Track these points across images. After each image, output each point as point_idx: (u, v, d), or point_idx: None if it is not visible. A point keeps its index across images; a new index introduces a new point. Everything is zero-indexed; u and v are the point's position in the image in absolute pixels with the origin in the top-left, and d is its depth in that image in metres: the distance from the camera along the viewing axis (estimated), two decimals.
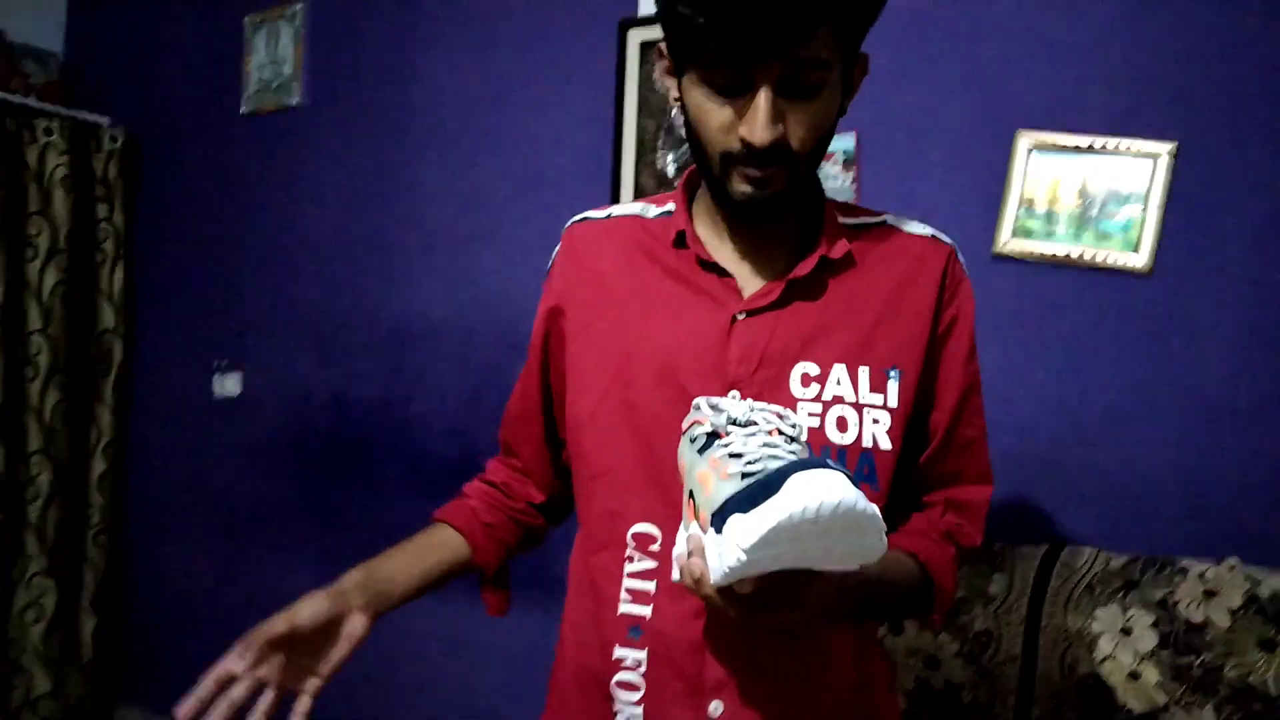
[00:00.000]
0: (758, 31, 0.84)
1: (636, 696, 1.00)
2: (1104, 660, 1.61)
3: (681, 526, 0.88)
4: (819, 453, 0.94)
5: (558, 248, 1.17)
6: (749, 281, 1.03)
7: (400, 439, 2.65)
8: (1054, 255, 1.85)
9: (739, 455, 0.76)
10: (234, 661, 0.92)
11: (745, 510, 0.71)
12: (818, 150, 0.95)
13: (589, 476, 1.06)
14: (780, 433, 0.80)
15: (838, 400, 0.97)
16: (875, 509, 0.71)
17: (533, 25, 2.41)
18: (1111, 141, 1.83)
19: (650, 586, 1.00)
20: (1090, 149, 1.84)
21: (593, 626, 1.05)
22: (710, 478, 0.77)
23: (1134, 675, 1.58)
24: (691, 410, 0.87)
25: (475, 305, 2.54)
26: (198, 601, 3.03)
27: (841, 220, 1.05)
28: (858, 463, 0.97)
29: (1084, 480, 1.83)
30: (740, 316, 1.00)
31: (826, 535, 0.70)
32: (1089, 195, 1.85)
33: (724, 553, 0.73)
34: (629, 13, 2.22)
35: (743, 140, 0.90)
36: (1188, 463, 1.75)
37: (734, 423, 0.81)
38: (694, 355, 0.99)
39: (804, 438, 0.83)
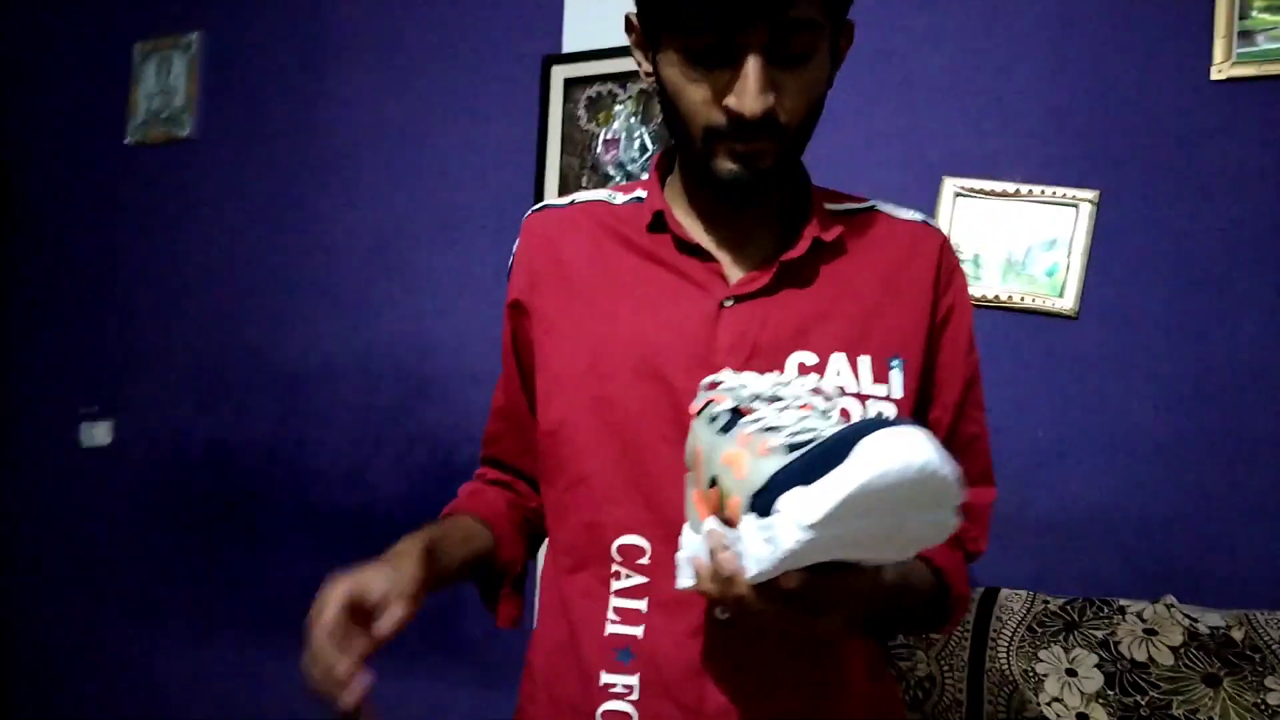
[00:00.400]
0: None
1: None
2: (1051, 702, 1.57)
3: (688, 526, 0.79)
4: None
5: (517, 241, 1.07)
6: (731, 268, 0.96)
7: (292, 489, 2.46)
8: (983, 297, 1.87)
9: (776, 428, 0.67)
10: (331, 633, 0.77)
11: (807, 482, 0.60)
12: (807, 124, 0.88)
13: (564, 487, 0.95)
14: (817, 391, 0.72)
15: (839, 391, 0.89)
16: (958, 473, 0.61)
17: (452, 58, 2.34)
18: (1037, 188, 1.86)
19: (641, 605, 0.89)
20: (1016, 194, 1.88)
21: (572, 653, 0.93)
22: (742, 457, 0.67)
23: (1082, 716, 1.55)
24: (701, 390, 0.78)
25: (379, 346, 2.40)
26: (60, 668, 2.72)
27: (828, 206, 0.99)
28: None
29: (1015, 523, 1.82)
30: (728, 303, 0.92)
31: (904, 508, 0.60)
32: (1015, 240, 1.88)
33: (778, 536, 0.62)
34: (553, 49, 2.18)
35: (729, 112, 0.83)
36: (1118, 503, 1.76)
37: (758, 398, 0.72)
38: (677, 345, 0.90)
39: (837, 413, 0.73)
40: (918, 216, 1.03)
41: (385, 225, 2.41)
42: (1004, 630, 1.66)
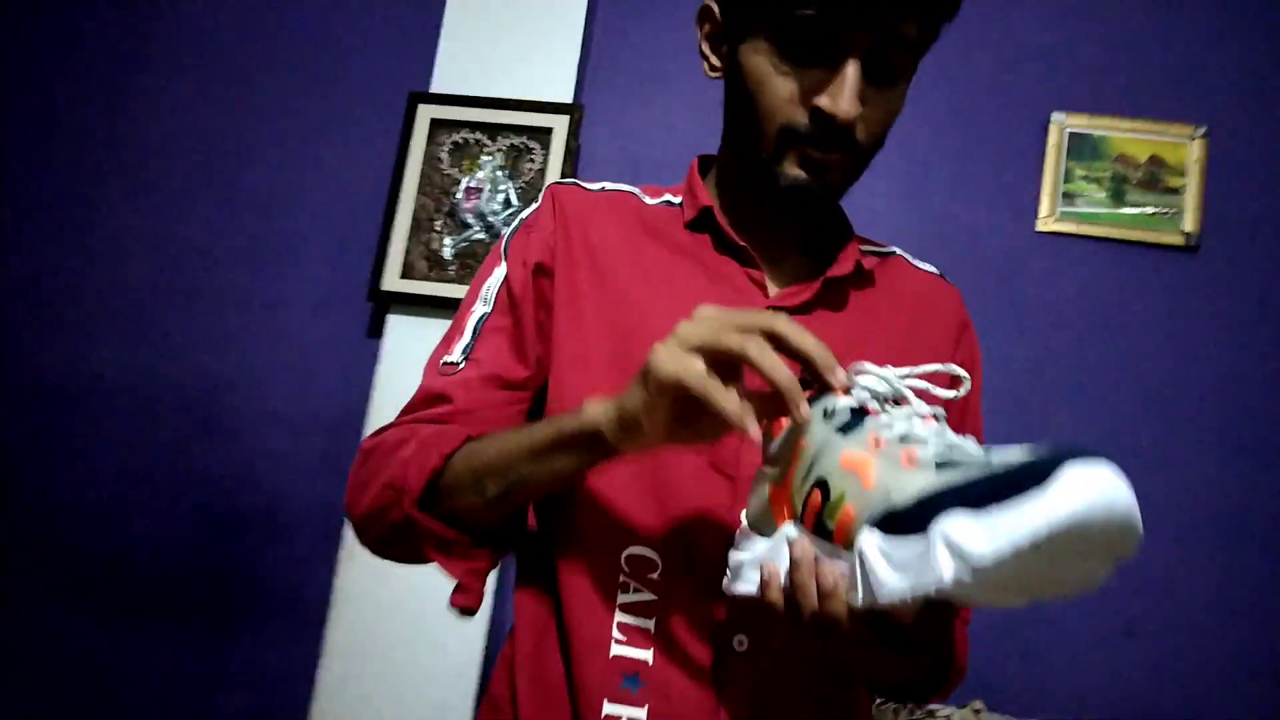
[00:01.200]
0: None
1: None
2: None
3: (747, 525, 0.70)
4: None
5: (534, 206, 0.96)
6: (769, 278, 0.91)
7: (32, 525, 2.08)
8: None
9: (920, 439, 0.59)
10: None
11: (980, 506, 0.51)
12: (877, 148, 0.86)
13: (570, 486, 0.84)
14: (936, 419, 0.63)
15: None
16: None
17: (303, 77, 2.18)
18: None
19: (649, 624, 0.80)
20: None
21: (565, 681, 0.81)
22: (873, 464, 0.59)
23: None
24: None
25: (162, 371, 2.11)
26: None
27: (858, 240, 0.98)
28: None
29: None
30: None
31: (1083, 553, 0.51)
32: None
33: (934, 565, 0.52)
34: (421, 86, 2.08)
35: (817, 112, 0.79)
36: None
37: (879, 398, 0.64)
38: None
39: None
40: (934, 269, 1.04)
41: (195, 241, 2.16)
42: None
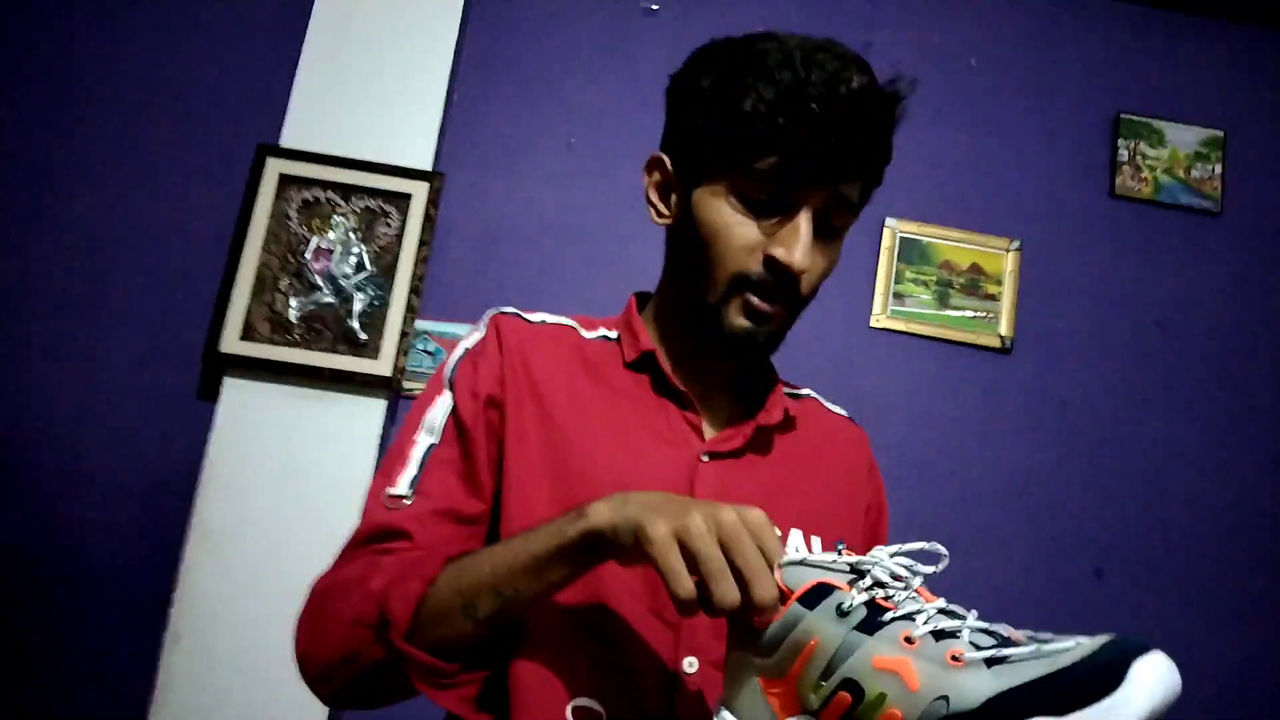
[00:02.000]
0: (832, 154, 0.79)
1: None
2: None
3: (729, 715, 0.68)
4: None
5: (479, 332, 0.93)
6: (705, 421, 0.92)
7: None
8: None
9: (953, 634, 0.60)
10: None
11: (1061, 712, 0.54)
12: (810, 301, 0.89)
13: (517, 637, 0.80)
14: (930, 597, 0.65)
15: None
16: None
17: (148, 115, 2.03)
18: None
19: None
20: None
21: None
22: (914, 665, 0.59)
23: None
24: (794, 569, 0.66)
25: None
26: None
27: (779, 382, 1.00)
28: None
29: None
30: (704, 458, 0.88)
31: None
32: None
33: None
34: (270, 139, 1.99)
35: (772, 261, 0.82)
36: None
37: (878, 584, 0.64)
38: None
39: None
40: (843, 411, 1.08)
41: (4, 278, 1.95)
42: None
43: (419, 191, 1.98)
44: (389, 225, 1.97)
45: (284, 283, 1.93)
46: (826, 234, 0.85)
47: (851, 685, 0.61)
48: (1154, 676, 0.54)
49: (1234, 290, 2.22)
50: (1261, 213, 2.27)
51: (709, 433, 0.92)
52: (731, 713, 0.68)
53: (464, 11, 2.11)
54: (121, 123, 2.04)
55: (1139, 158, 2.26)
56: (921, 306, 2.13)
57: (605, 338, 0.97)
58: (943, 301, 2.14)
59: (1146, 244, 2.22)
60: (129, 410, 1.92)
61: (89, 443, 1.90)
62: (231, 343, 1.87)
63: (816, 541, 0.88)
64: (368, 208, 1.97)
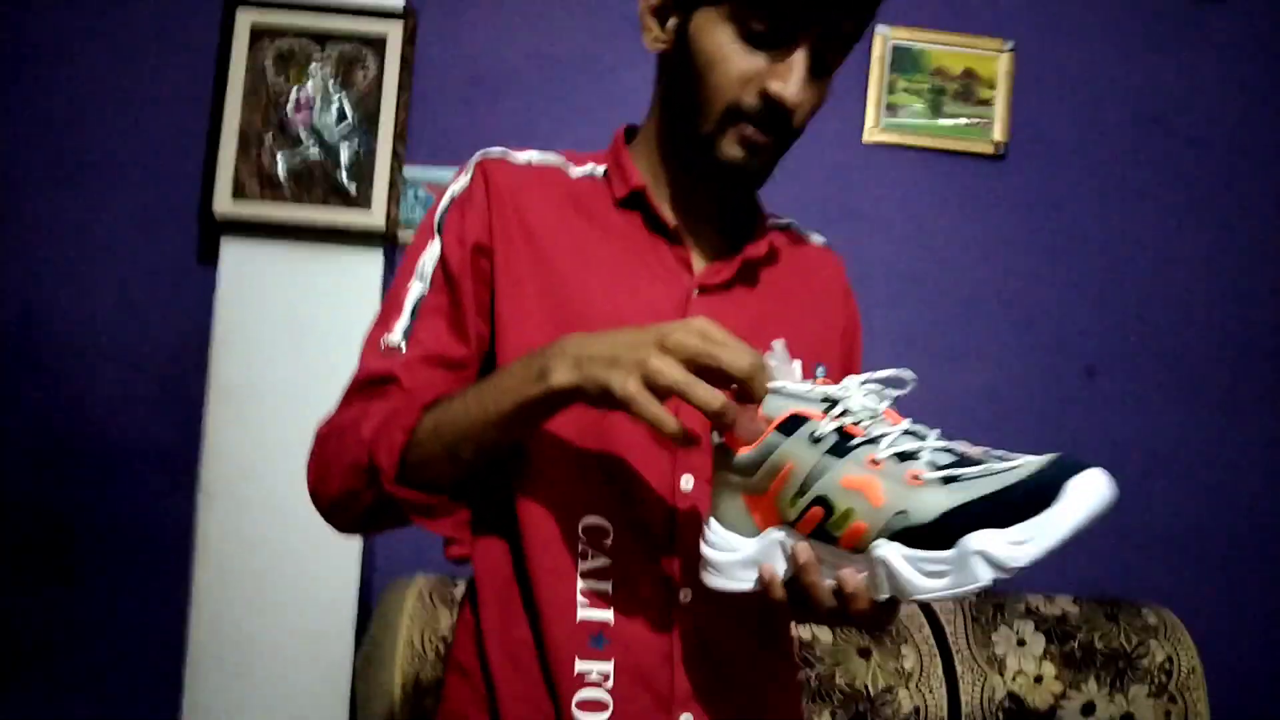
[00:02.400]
0: None
1: (604, 717, 0.84)
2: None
3: (720, 528, 0.76)
4: None
5: (466, 177, 0.95)
6: (694, 254, 0.96)
7: None
8: None
9: (913, 454, 0.67)
10: None
11: (1004, 524, 0.62)
12: (800, 134, 0.91)
13: (524, 463, 0.87)
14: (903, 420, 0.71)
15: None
16: None
17: None
18: None
19: (607, 587, 0.86)
20: None
21: (535, 645, 0.87)
22: (879, 484, 0.67)
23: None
24: (773, 398, 0.72)
25: None
26: None
27: (763, 212, 1.03)
28: None
29: None
30: (696, 293, 0.92)
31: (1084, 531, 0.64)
32: None
33: (970, 572, 0.63)
34: None
35: (767, 95, 0.84)
36: None
37: (848, 411, 0.70)
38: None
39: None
40: (821, 240, 1.11)
41: None
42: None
43: (394, 32, 1.92)
44: (365, 70, 1.93)
45: (268, 138, 1.91)
46: (819, 71, 0.86)
47: (823, 501, 0.70)
48: (1086, 492, 0.62)
49: (1240, 78, 2.17)
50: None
51: (698, 266, 0.96)
52: (720, 523, 0.76)
53: None
54: None
55: None
56: (915, 117, 2.10)
57: (593, 175, 0.98)
58: (936, 110, 2.10)
59: (1148, 38, 2.16)
60: (134, 281, 1.95)
61: (100, 317, 1.94)
62: (224, 203, 1.87)
63: (797, 366, 0.93)
64: (342, 54, 1.93)
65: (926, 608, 1.87)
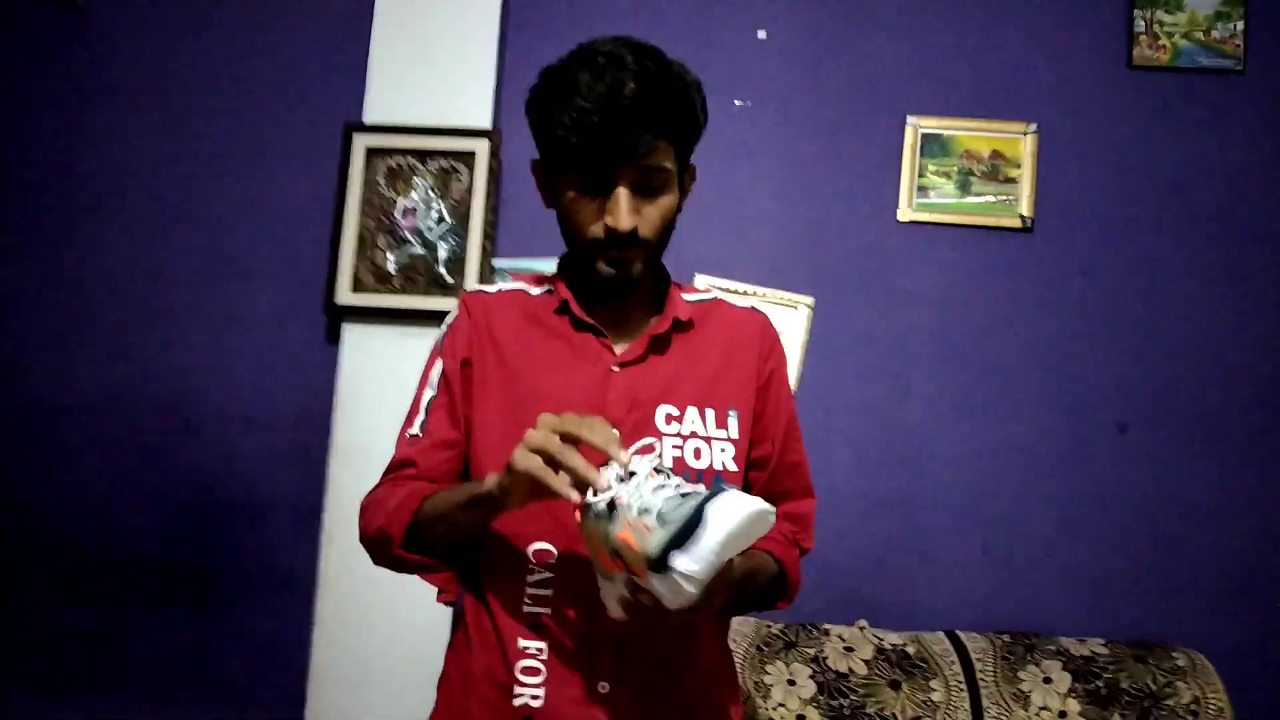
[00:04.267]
0: (616, 146, 1.11)
1: (539, 679, 1.14)
2: (776, 707, 1.94)
3: (601, 579, 1.07)
4: (681, 474, 1.09)
5: (455, 313, 1.30)
6: (618, 341, 1.25)
7: (28, 530, 2.34)
8: None
9: (648, 510, 0.95)
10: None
11: (684, 548, 0.91)
12: (663, 238, 1.21)
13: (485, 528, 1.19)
14: (657, 470, 1.00)
15: (693, 434, 1.20)
16: (762, 500, 0.95)
17: (249, 113, 2.42)
18: (767, 290, 2.30)
19: (549, 592, 1.16)
20: (750, 294, 2.30)
21: (493, 633, 1.17)
22: (630, 537, 0.95)
23: (800, 718, 1.92)
24: (605, 469, 1.01)
25: (138, 382, 2.37)
26: None
27: (683, 296, 1.31)
28: (712, 482, 1.19)
29: None
30: (614, 369, 1.22)
31: (744, 534, 0.93)
32: None
33: (681, 586, 0.91)
34: (354, 116, 2.33)
35: (607, 227, 1.15)
36: (820, 548, 2.19)
37: (620, 480, 0.98)
38: (581, 400, 1.18)
39: (670, 464, 1.05)
40: (748, 303, 1.38)
41: (158, 264, 2.40)
42: (738, 651, 2.01)
43: (481, 148, 2.29)
44: (460, 180, 2.30)
45: (380, 240, 2.29)
46: (648, 192, 1.16)
47: (615, 552, 0.99)
48: (721, 513, 0.92)
49: (1259, 146, 2.30)
50: None
51: (620, 348, 1.25)
52: (602, 578, 1.08)
53: None
54: (231, 122, 2.43)
55: (1156, 25, 2.34)
56: (944, 196, 2.31)
57: (547, 291, 1.30)
58: (964, 189, 2.31)
59: (1166, 111, 2.32)
60: (271, 360, 2.35)
61: (243, 390, 2.34)
62: (345, 294, 2.26)
63: (710, 413, 1.23)
64: (441, 167, 2.30)
65: (960, 646, 2.04)
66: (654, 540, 0.93)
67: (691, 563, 0.90)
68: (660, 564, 0.92)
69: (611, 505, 0.98)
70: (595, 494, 0.98)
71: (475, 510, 1.10)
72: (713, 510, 0.91)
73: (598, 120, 1.10)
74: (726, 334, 1.31)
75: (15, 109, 2.50)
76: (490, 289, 1.33)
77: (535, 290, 1.31)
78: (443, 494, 1.15)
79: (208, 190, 2.42)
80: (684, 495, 0.96)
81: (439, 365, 1.27)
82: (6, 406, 2.39)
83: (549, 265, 2.21)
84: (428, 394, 1.27)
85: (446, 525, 1.13)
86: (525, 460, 0.98)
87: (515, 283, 1.33)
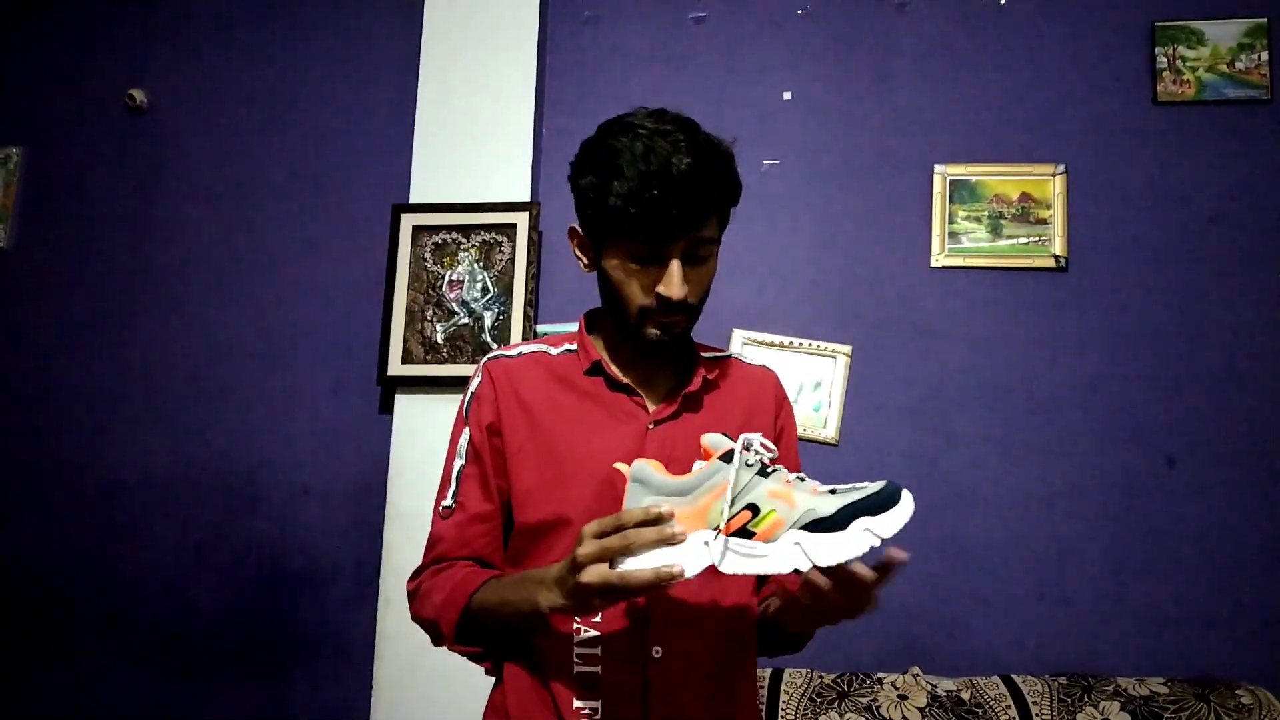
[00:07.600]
0: (672, 220, 1.15)
1: None
2: None
3: (699, 535, 1.04)
4: None
5: (478, 379, 1.33)
6: (648, 399, 1.29)
7: (106, 604, 2.46)
8: None
9: (804, 479, 1.02)
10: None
11: (875, 514, 0.97)
12: (703, 303, 1.25)
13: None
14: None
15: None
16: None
17: (303, 198, 2.57)
18: (804, 341, 2.34)
19: (596, 650, 1.18)
20: (789, 345, 2.34)
21: (544, 691, 1.19)
22: (789, 494, 1.00)
23: None
24: (708, 437, 1.05)
25: (203, 460, 2.50)
26: None
27: (702, 354, 1.36)
28: None
29: None
30: (651, 426, 1.25)
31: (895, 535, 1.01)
32: (788, 382, 2.33)
33: (858, 542, 0.96)
34: (401, 198, 2.46)
35: (660, 297, 1.18)
36: None
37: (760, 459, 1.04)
38: (620, 457, 1.18)
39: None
40: (760, 363, 1.43)
41: (214, 346, 2.54)
42: (790, 702, 2.02)
43: (522, 220, 2.39)
44: (503, 252, 2.40)
45: (428, 313, 2.39)
46: (696, 262, 1.20)
47: (752, 506, 1.01)
48: (909, 498, 0.99)
49: None
50: None
51: (653, 407, 1.28)
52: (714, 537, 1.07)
53: (538, 64, 2.50)
54: (286, 210, 2.59)
55: (1179, 61, 2.36)
56: (976, 241, 2.34)
57: (569, 351, 1.34)
58: (996, 233, 2.34)
59: (1194, 144, 2.32)
60: (329, 430, 2.46)
61: (302, 460, 2.45)
62: (395, 366, 2.36)
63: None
64: (484, 240, 2.40)
65: (1015, 690, 2.02)
66: (828, 501, 0.99)
67: (884, 526, 0.97)
68: (835, 522, 0.97)
69: (763, 465, 1.02)
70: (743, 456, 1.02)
71: (526, 623, 1.15)
72: (908, 495, 0.99)
73: (656, 194, 1.14)
74: (746, 392, 1.36)
75: (87, 206, 2.69)
76: (511, 352, 1.35)
77: (554, 350, 1.34)
78: (491, 594, 1.18)
79: (265, 275, 2.56)
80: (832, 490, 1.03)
81: (466, 434, 1.30)
82: (86, 488, 2.53)
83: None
84: (458, 464, 1.30)
85: (500, 624, 1.17)
86: (592, 575, 1.00)
87: (534, 345, 1.37)
